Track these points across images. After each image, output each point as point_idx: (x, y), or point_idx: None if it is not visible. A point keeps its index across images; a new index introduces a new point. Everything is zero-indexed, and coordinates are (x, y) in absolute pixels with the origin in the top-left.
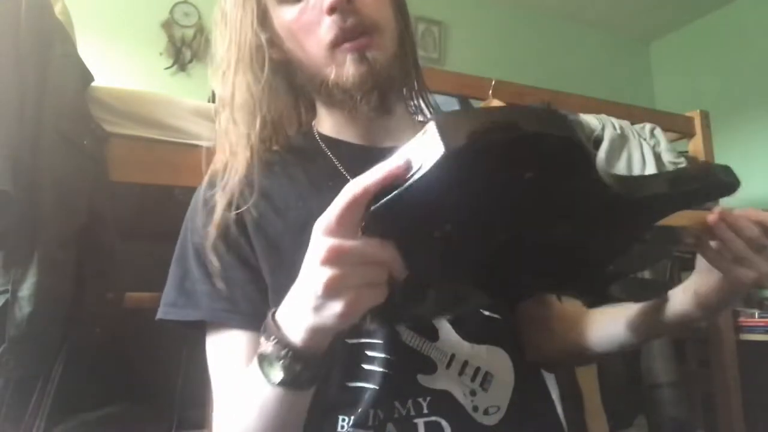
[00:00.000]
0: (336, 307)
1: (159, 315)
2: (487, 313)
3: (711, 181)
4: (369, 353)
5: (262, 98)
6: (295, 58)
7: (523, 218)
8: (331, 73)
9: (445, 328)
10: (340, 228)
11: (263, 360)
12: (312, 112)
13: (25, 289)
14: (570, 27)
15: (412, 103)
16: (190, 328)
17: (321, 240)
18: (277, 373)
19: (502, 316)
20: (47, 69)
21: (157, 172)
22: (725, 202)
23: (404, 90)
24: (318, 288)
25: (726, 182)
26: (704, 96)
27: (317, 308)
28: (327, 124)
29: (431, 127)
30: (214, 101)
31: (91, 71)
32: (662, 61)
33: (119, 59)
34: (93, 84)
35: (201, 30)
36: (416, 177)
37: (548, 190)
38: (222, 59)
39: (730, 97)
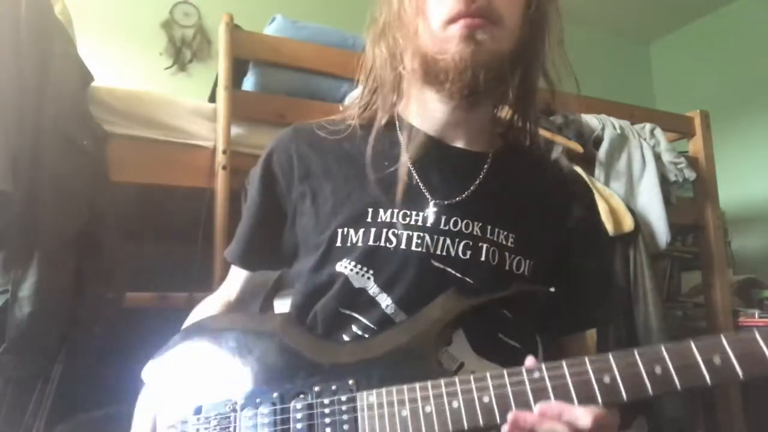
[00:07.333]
0: None
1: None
2: (505, 338)
3: None
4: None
5: (384, 71)
6: (404, 35)
7: None
8: (434, 48)
9: (460, 335)
10: None
11: None
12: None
13: (25, 289)
14: (570, 27)
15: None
16: None
17: None
18: None
19: (522, 346)
20: (47, 69)
21: (157, 172)
22: (725, 201)
23: (500, 96)
24: None
25: None
26: (704, 96)
27: None
28: (409, 106)
29: None
30: (214, 101)
31: (91, 71)
32: (662, 61)
33: (119, 59)
34: (93, 84)
35: (201, 30)
36: None
37: None
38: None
39: (730, 97)
